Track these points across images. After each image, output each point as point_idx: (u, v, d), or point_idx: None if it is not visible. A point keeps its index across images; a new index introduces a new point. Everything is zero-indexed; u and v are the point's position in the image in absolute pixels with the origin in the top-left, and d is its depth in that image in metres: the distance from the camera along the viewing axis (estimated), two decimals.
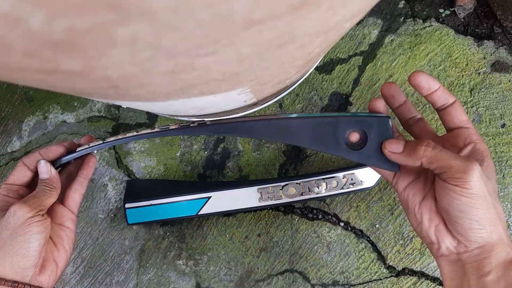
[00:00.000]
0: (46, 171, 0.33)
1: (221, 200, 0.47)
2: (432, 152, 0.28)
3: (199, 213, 0.47)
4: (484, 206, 0.26)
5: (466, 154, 0.30)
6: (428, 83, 0.31)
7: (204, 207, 0.47)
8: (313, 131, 0.30)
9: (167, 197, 0.48)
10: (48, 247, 0.32)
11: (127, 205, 0.48)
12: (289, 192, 0.47)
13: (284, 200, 0.47)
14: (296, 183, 0.47)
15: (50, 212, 0.35)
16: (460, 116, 0.31)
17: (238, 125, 0.31)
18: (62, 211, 0.35)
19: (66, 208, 0.36)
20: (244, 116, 0.32)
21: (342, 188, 0.48)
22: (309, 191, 0.47)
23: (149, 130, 0.33)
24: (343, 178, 0.48)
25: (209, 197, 0.47)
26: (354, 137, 0.31)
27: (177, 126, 0.33)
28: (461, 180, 0.26)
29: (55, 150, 0.35)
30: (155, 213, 0.48)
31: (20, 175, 0.34)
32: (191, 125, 0.33)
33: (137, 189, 0.51)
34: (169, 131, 0.33)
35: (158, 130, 0.33)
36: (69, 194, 0.36)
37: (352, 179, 0.48)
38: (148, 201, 0.48)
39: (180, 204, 0.47)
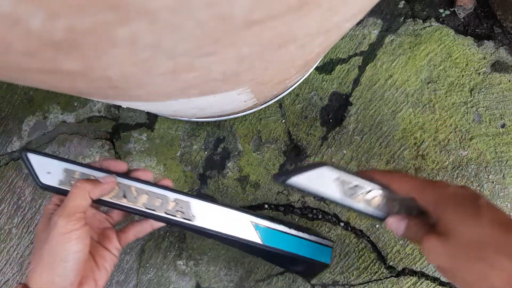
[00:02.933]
0: (106, 179, 0.32)
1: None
2: None
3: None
4: None
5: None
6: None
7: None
8: (278, 257, 0.36)
9: None
10: (89, 265, 0.32)
11: None
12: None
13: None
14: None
15: (102, 234, 0.35)
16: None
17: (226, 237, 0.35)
18: (113, 240, 0.35)
19: (116, 240, 0.35)
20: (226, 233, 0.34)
21: None
22: None
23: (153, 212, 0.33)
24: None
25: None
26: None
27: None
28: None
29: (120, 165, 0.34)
30: None
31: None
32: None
33: None
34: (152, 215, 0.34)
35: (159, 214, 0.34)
36: (128, 231, 0.36)
37: None
38: None
39: None
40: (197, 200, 0.34)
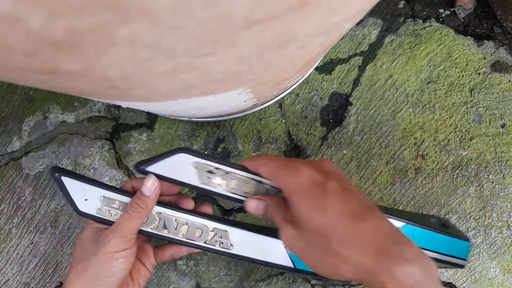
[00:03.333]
0: (150, 187, 0.31)
1: None
2: None
3: None
4: None
5: None
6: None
7: None
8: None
9: None
10: (125, 280, 0.33)
11: None
12: None
13: None
14: None
15: (140, 248, 0.35)
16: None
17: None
18: (150, 256, 0.36)
19: (153, 256, 0.36)
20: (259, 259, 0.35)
21: None
22: None
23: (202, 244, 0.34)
24: None
25: None
26: None
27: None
28: None
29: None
30: None
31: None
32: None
33: None
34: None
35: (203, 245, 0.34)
36: (165, 249, 0.37)
37: None
38: None
39: None
40: (234, 228, 0.34)
